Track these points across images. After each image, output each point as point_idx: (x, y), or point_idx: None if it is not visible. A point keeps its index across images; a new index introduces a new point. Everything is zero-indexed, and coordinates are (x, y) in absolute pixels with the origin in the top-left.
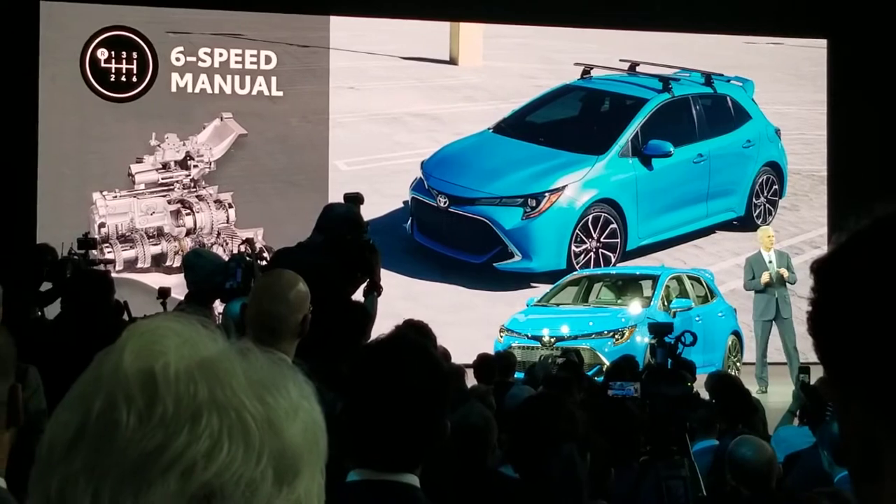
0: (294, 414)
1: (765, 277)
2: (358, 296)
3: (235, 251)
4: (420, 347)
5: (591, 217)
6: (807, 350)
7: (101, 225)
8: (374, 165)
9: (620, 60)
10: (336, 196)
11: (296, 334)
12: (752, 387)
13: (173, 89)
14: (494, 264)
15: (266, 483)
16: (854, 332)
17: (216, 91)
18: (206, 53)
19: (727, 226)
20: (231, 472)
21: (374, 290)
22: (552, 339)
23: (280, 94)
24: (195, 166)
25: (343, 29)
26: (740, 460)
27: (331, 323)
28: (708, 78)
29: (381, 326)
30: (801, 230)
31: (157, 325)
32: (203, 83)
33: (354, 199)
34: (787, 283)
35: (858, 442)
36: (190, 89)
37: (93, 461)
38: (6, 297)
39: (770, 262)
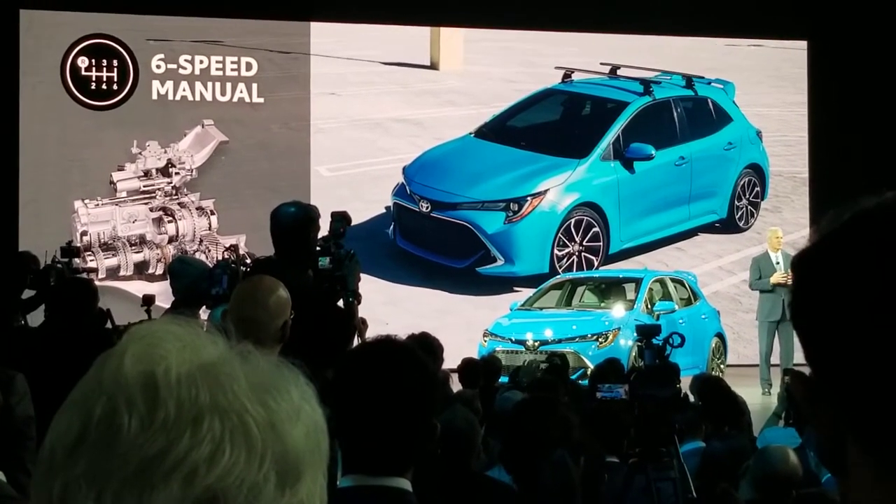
0: (296, 417)
1: (776, 278)
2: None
3: (218, 258)
4: (406, 348)
5: (573, 221)
6: (802, 354)
7: (83, 233)
8: (356, 171)
9: (601, 64)
10: (320, 203)
11: (277, 340)
12: (755, 388)
13: (154, 97)
14: (477, 269)
15: (269, 486)
16: (820, 328)
17: (197, 98)
18: (186, 61)
19: (709, 228)
20: (233, 477)
21: (353, 299)
22: (536, 343)
23: (261, 100)
24: (177, 174)
25: (324, 35)
26: (771, 469)
27: (316, 330)
28: (689, 80)
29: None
30: (784, 232)
31: (157, 329)
32: (184, 90)
33: (342, 219)
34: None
35: (826, 438)
36: (171, 97)
37: (95, 466)
38: None
39: (777, 262)
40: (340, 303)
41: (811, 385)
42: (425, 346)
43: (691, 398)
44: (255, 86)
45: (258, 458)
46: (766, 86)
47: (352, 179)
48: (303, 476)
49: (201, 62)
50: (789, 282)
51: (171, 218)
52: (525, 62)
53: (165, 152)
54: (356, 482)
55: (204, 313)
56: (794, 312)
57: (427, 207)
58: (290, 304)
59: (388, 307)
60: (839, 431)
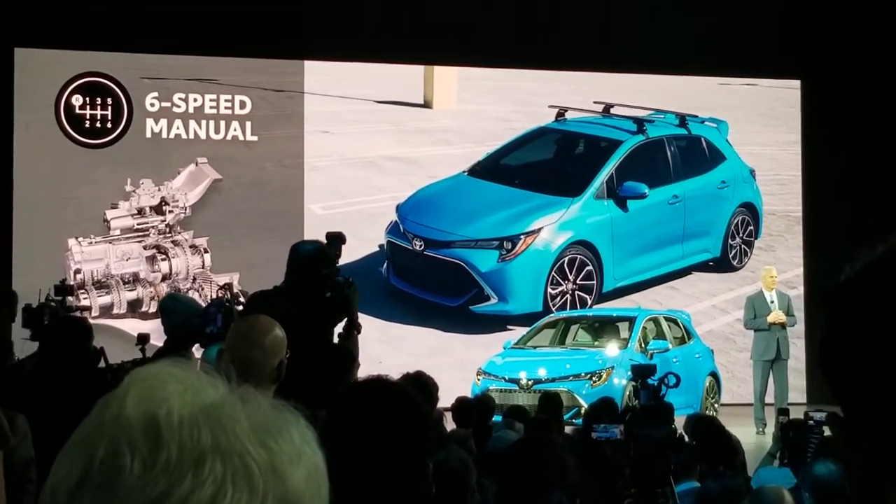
0: (297, 459)
1: (772, 317)
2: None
3: (211, 297)
4: (398, 388)
5: (566, 259)
6: (796, 394)
7: (77, 271)
8: (350, 209)
9: (595, 102)
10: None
11: (272, 380)
12: (749, 428)
13: (148, 135)
14: (471, 307)
15: None
16: (852, 369)
17: (191, 136)
18: (180, 99)
19: (703, 267)
20: None
21: (353, 328)
22: (530, 382)
23: (255, 138)
24: (170, 211)
25: (317, 73)
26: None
27: (313, 367)
28: (682, 119)
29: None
30: (778, 271)
31: (158, 371)
32: (178, 128)
33: (337, 238)
34: (787, 326)
35: (860, 482)
36: (165, 135)
37: None
38: None
39: (772, 301)
40: (340, 329)
41: (844, 427)
42: (420, 386)
43: (685, 438)
44: (248, 124)
45: (259, 501)
46: (760, 125)
47: (346, 217)
48: None
49: (195, 100)
50: (784, 319)
51: (164, 256)
52: (519, 101)
53: (159, 190)
54: None
55: (197, 352)
56: (824, 350)
57: (420, 246)
58: (285, 343)
59: (382, 345)
60: (875, 474)
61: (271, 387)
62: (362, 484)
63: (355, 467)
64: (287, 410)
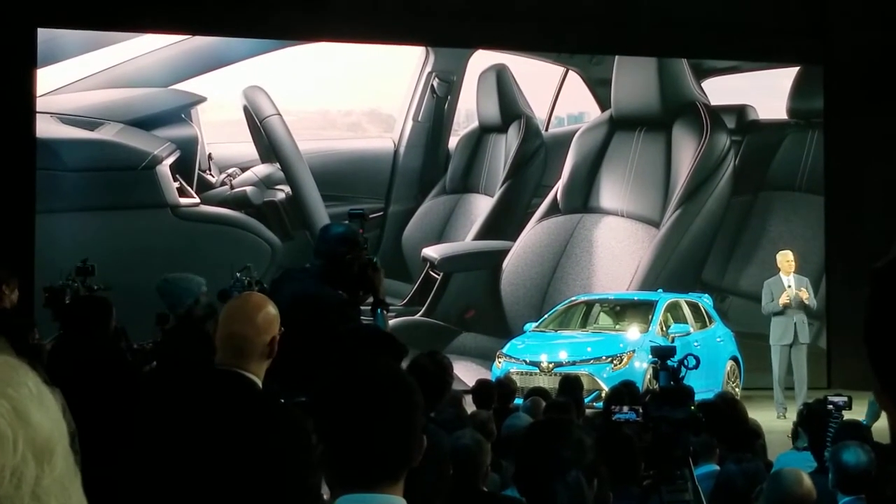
0: (38, 400)
1: (783, 298)
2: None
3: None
4: (386, 364)
5: None
6: (815, 377)
7: None
8: None
9: None
10: None
11: (264, 356)
12: (771, 412)
13: None
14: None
15: (29, 467)
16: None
17: None
18: None
19: None
20: None
21: (380, 306)
22: (551, 365)
23: None
24: None
25: None
26: (784, 492)
27: (346, 349)
28: None
29: None
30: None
31: None
32: None
33: (359, 216)
34: (807, 307)
35: None
36: None
37: None
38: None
39: (789, 286)
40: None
41: (889, 396)
42: (434, 364)
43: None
44: None
45: (12, 444)
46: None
47: None
48: (55, 451)
49: None
50: (806, 296)
51: None
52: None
53: None
54: (351, 501)
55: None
56: (869, 325)
57: None
58: (278, 320)
59: None
60: None
61: (264, 363)
62: (356, 460)
63: (347, 443)
64: (13, 360)
